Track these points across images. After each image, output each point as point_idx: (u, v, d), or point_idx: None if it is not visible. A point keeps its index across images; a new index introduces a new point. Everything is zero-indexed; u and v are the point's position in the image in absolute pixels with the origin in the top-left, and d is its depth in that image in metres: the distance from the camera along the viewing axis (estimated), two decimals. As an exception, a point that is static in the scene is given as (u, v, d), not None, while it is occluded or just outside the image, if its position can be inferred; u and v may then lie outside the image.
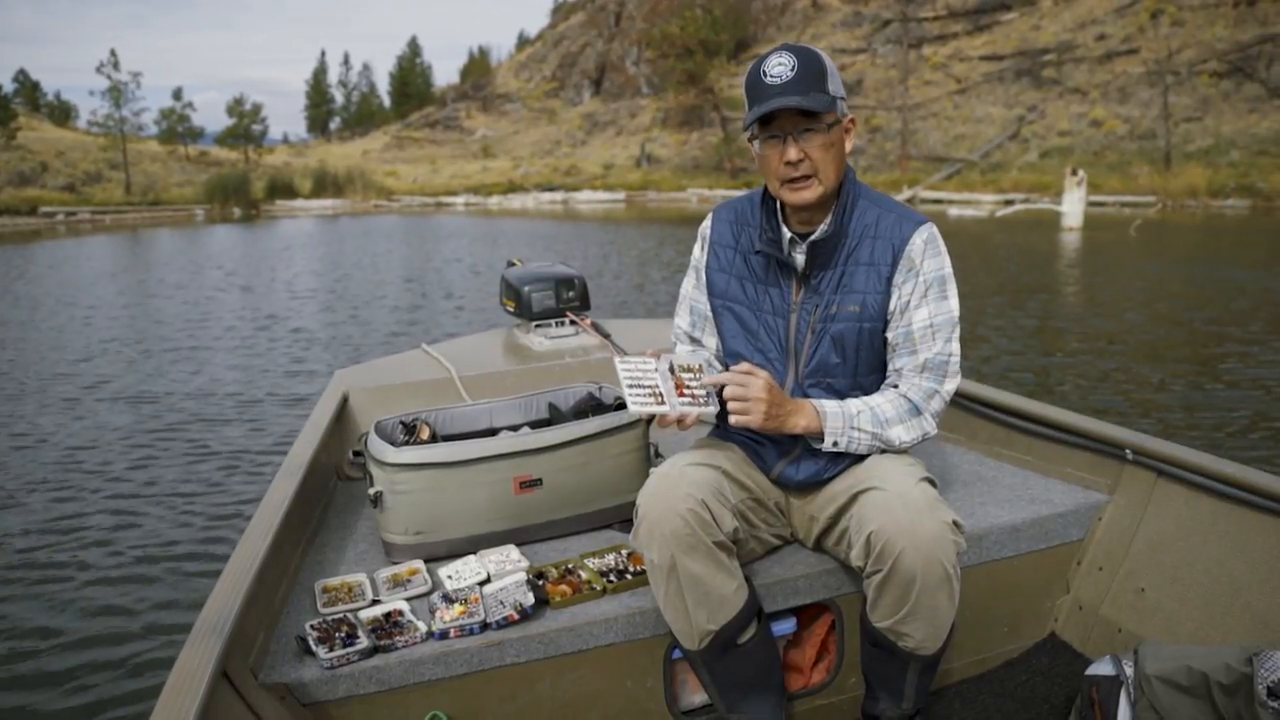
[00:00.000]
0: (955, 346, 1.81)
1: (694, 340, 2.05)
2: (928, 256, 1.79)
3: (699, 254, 1.99)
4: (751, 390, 1.67)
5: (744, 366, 1.71)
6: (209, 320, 11.31)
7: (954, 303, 1.81)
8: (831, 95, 1.69)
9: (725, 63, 55.99)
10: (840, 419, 1.77)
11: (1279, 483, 1.87)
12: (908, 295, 1.78)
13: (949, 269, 1.82)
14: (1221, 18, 42.21)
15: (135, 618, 3.49)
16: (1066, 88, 44.25)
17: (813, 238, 1.79)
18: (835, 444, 1.78)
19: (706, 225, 1.98)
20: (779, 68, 1.68)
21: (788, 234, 1.83)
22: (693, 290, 2.02)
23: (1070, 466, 2.32)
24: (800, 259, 1.82)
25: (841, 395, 1.84)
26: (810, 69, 1.67)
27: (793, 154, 1.70)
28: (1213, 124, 37.03)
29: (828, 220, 1.79)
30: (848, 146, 1.77)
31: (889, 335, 1.81)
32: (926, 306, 1.78)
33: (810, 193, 1.74)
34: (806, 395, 1.84)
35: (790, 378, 1.85)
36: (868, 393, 1.85)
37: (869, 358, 1.83)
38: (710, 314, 1.98)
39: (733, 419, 1.70)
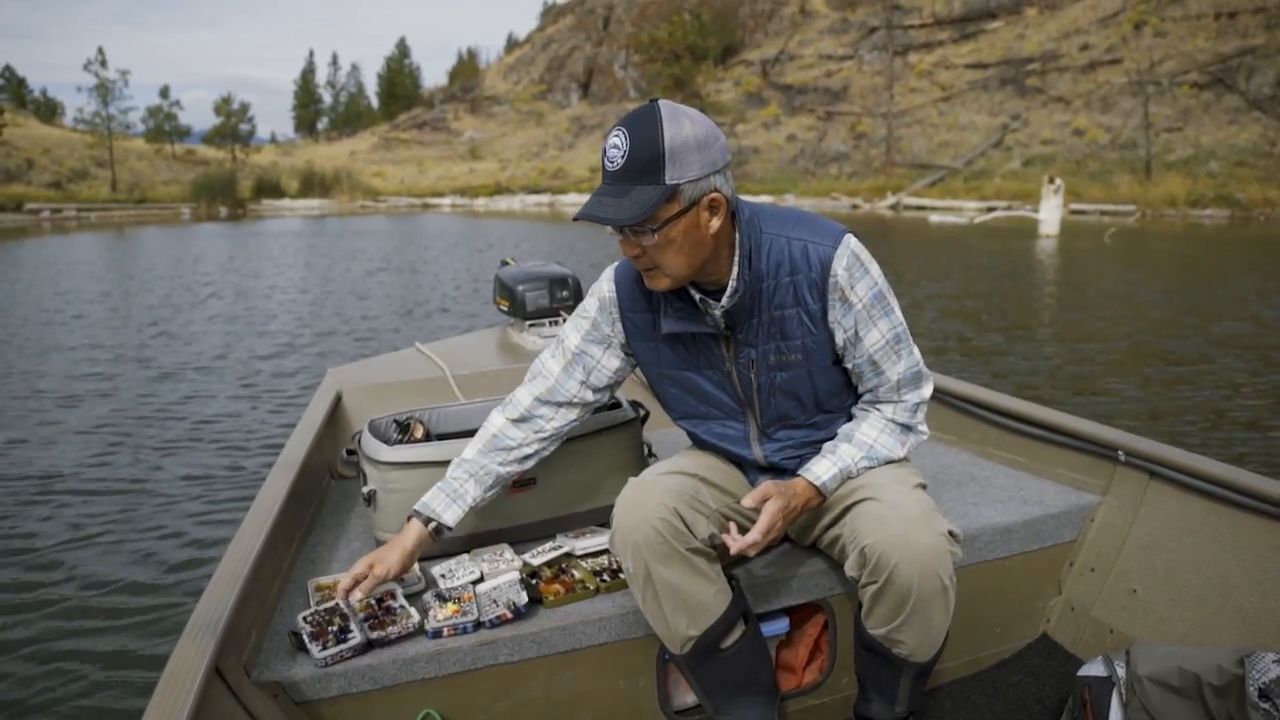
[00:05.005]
0: (917, 353, 1.77)
1: (547, 374, 1.88)
2: (856, 280, 1.65)
3: (603, 316, 1.83)
4: (773, 529, 1.64)
5: (755, 498, 1.65)
6: (200, 318, 11.23)
7: (897, 312, 1.73)
8: (668, 185, 1.50)
9: (712, 68, 56.26)
10: (839, 479, 1.74)
11: (1270, 484, 1.89)
12: (851, 326, 1.68)
13: (881, 280, 1.69)
14: (1203, 29, 42.67)
15: (128, 616, 3.45)
16: (1050, 97, 44.62)
17: (723, 305, 1.65)
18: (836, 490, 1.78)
19: (609, 291, 1.81)
20: (613, 151, 1.52)
21: (697, 296, 1.68)
22: (575, 337, 1.86)
23: (1063, 467, 2.33)
24: (720, 318, 1.69)
25: (808, 429, 1.81)
26: (641, 157, 1.50)
27: (629, 250, 1.60)
28: (1193, 134, 37.41)
29: (733, 277, 1.63)
30: (713, 225, 1.57)
31: (848, 365, 1.76)
32: (875, 328, 1.70)
33: (659, 284, 1.63)
34: (774, 439, 1.81)
35: (753, 427, 1.82)
36: (833, 414, 1.82)
37: (827, 390, 1.78)
38: (595, 368, 1.86)
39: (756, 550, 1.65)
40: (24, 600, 3.61)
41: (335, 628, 1.71)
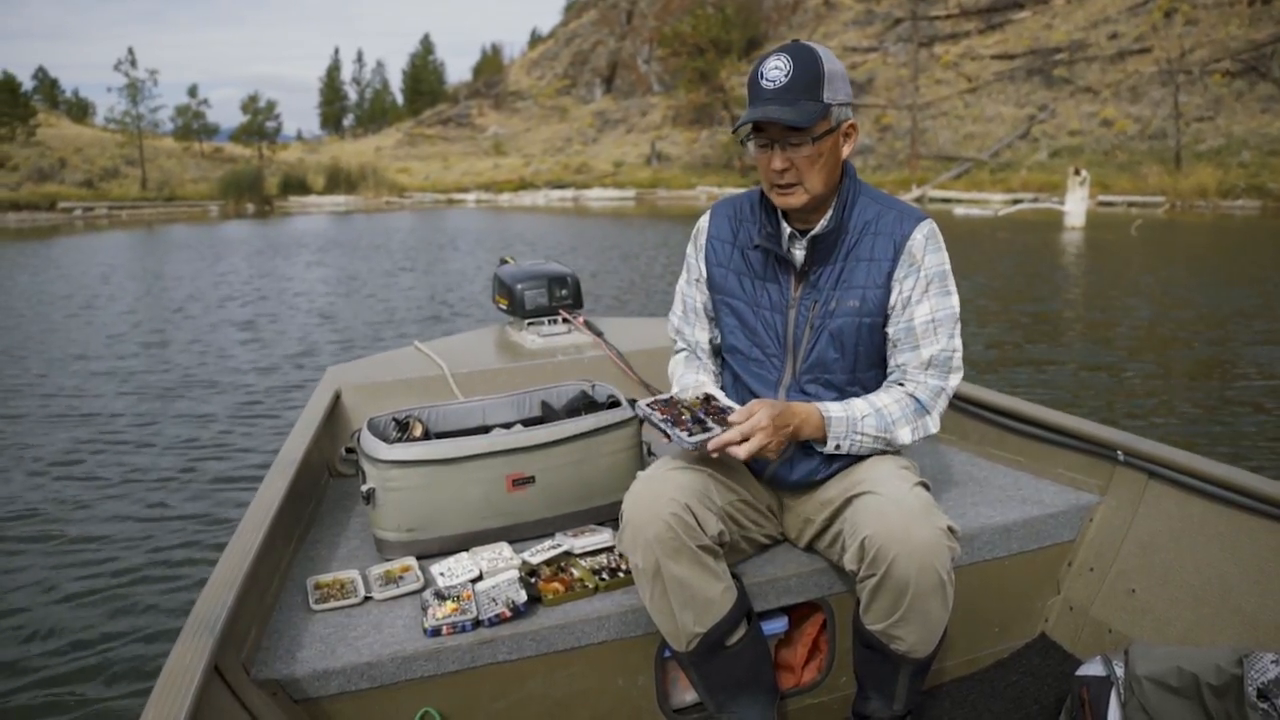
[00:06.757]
0: (958, 342, 1.83)
1: (681, 334, 2.07)
2: (929, 252, 1.79)
3: (692, 250, 2.01)
4: (756, 430, 1.65)
5: (743, 414, 1.68)
6: (204, 315, 11.31)
7: (955, 299, 1.83)
8: (825, 103, 1.68)
9: (736, 61, 55.83)
10: (844, 424, 1.77)
11: (1269, 485, 1.87)
12: (909, 290, 1.79)
13: (949, 265, 1.83)
14: (1236, 16, 41.87)
15: (127, 614, 3.48)
16: (1078, 87, 44.00)
17: (813, 233, 1.80)
18: (837, 446, 1.79)
19: (704, 220, 1.99)
20: (774, 71, 1.67)
21: (787, 229, 1.84)
22: (683, 284, 2.05)
23: (1062, 467, 2.33)
24: (800, 254, 1.83)
25: (840, 390, 1.84)
26: (805, 76, 1.66)
27: (778, 163, 1.72)
28: (1224, 124, 36.76)
29: (827, 216, 1.80)
30: (845, 151, 1.78)
31: (889, 331, 1.82)
32: (928, 301, 1.79)
33: (795, 199, 1.76)
34: (804, 392, 1.84)
35: (788, 374, 1.86)
36: (866, 388, 1.86)
37: (868, 353, 1.84)
38: (701, 309, 2.01)
39: (744, 451, 1.67)
40: (20, 598, 3.64)
41: (688, 418, 1.73)
